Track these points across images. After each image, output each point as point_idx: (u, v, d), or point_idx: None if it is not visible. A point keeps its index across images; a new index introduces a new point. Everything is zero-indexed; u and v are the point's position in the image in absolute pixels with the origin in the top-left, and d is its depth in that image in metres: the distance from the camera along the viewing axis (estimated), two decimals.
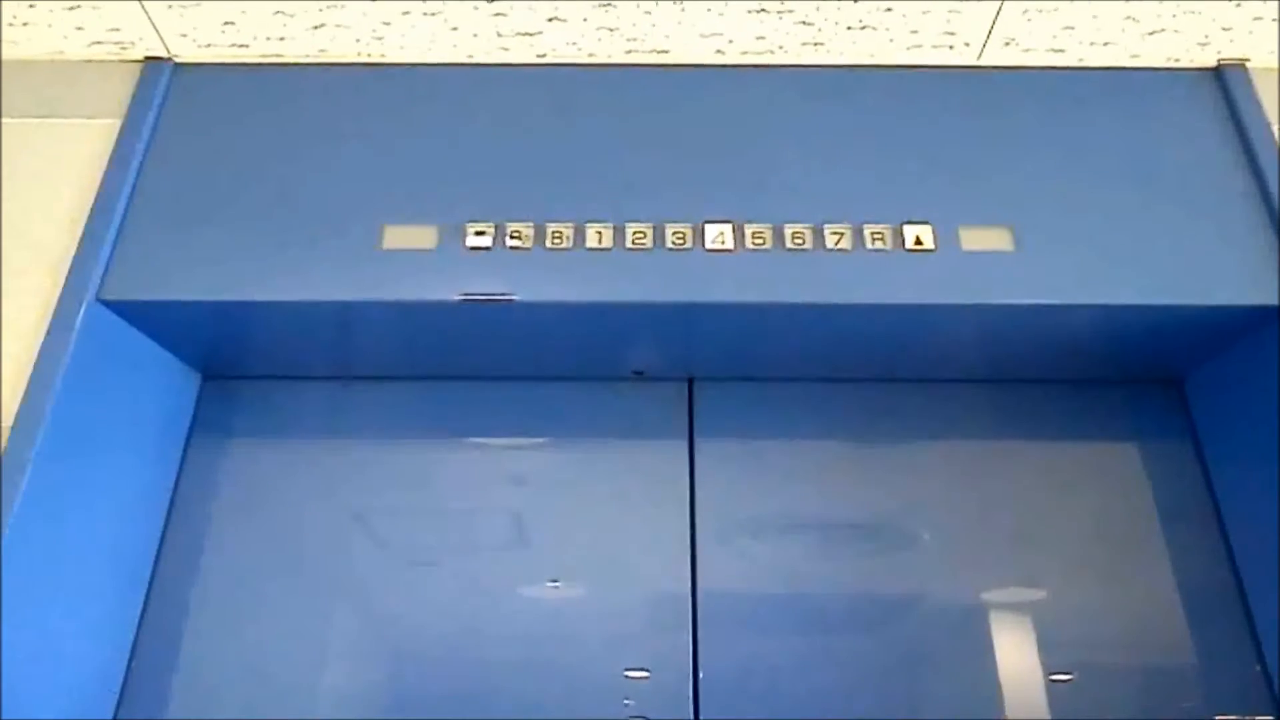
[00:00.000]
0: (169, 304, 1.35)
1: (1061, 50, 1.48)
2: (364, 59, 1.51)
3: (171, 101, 1.48)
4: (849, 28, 1.44)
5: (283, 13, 1.43)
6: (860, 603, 1.46)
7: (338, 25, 1.45)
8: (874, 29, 1.44)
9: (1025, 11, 1.41)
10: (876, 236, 1.35)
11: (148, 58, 1.51)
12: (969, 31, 1.45)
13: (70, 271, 1.33)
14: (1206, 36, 1.45)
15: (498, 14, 1.43)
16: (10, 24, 1.46)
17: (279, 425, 1.58)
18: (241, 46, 1.49)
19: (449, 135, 1.45)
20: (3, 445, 1.22)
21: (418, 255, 1.35)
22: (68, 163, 1.43)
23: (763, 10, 1.42)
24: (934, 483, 1.53)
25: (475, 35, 1.46)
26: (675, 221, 1.36)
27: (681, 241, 1.35)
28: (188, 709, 1.38)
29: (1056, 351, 1.48)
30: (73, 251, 1.35)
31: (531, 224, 1.36)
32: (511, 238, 1.35)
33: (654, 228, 1.36)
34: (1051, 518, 1.51)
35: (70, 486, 1.28)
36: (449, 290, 1.33)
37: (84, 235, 1.36)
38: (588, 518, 1.51)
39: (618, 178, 1.41)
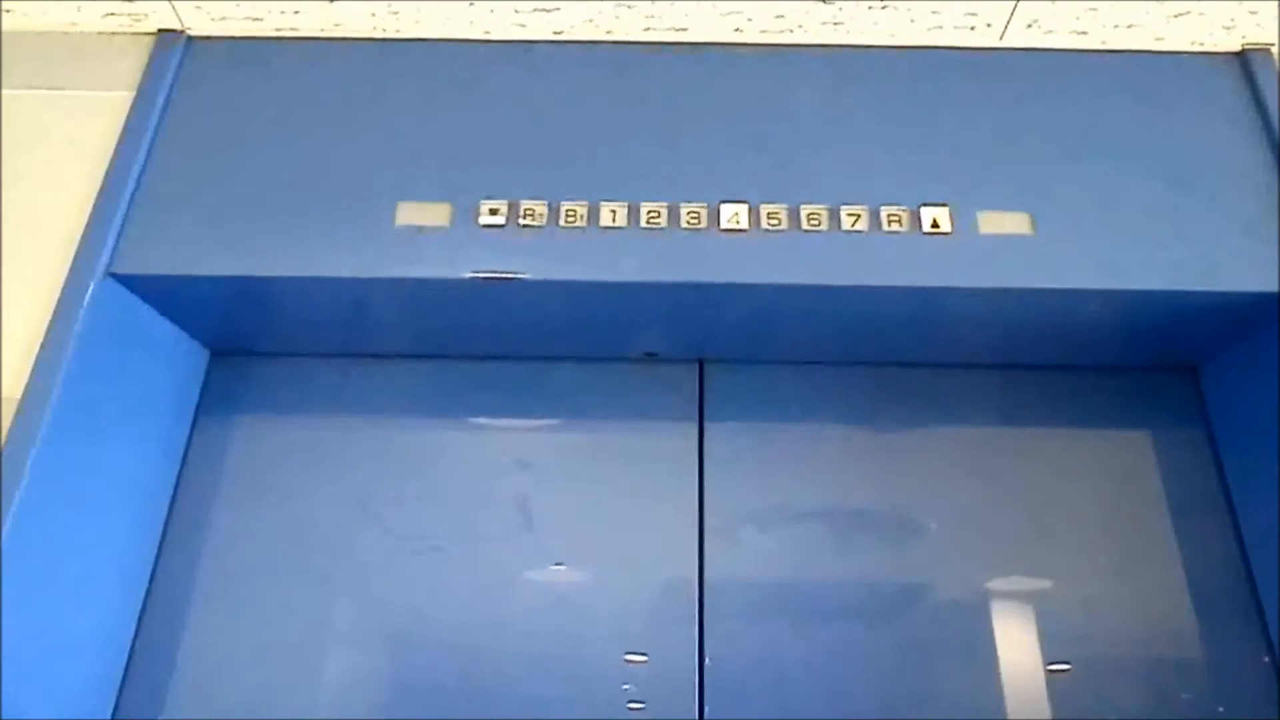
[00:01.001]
0: (180, 279, 1.34)
1: (1084, 33, 1.46)
2: (379, 34, 1.50)
3: (184, 74, 1.47)
4: (869, 7, 1.43)
5: None
6: (867, 591, 1.46)
7: None
8: (895, 9, 1.43)
9: None
10: (893, 219, 1.34)
11: (161, 30, 1.50)
12: (991, 13, 1.43)
13: (81, 245, 1.32)
14: (1232, 20, 1.43)
15: None
16: None
17: (287, 403, 1.57)
18: (255, 20, 1.48)
19: (464, 112, 1.43)
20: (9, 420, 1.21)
21: (431, 233, 1.34)
22: (79, 136, 1.42)
23: None
24: (944, 470, 1.52)
25: (491, 11, 1.45)
26: (690, 201, 1.35)
27: (696, 222, 1.34)
28: (192, 688, 1.38)
29: (1071, 337, 1.47)
30: (84, 225, 1.34)
31: (545, 202, 1.35)
32: (525, 216, 1.34)
33: (668, 208, 1.35)
34: (1062, 506, 1.50)
35: (77, 462, 1.27)
36: (461, 268, 1.32)
37: (95, 209, 1.35)
38: (595, 501, 1.50)
39: (633, 156, 1.40)
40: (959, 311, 1.39)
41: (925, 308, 1.38)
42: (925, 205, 1.35)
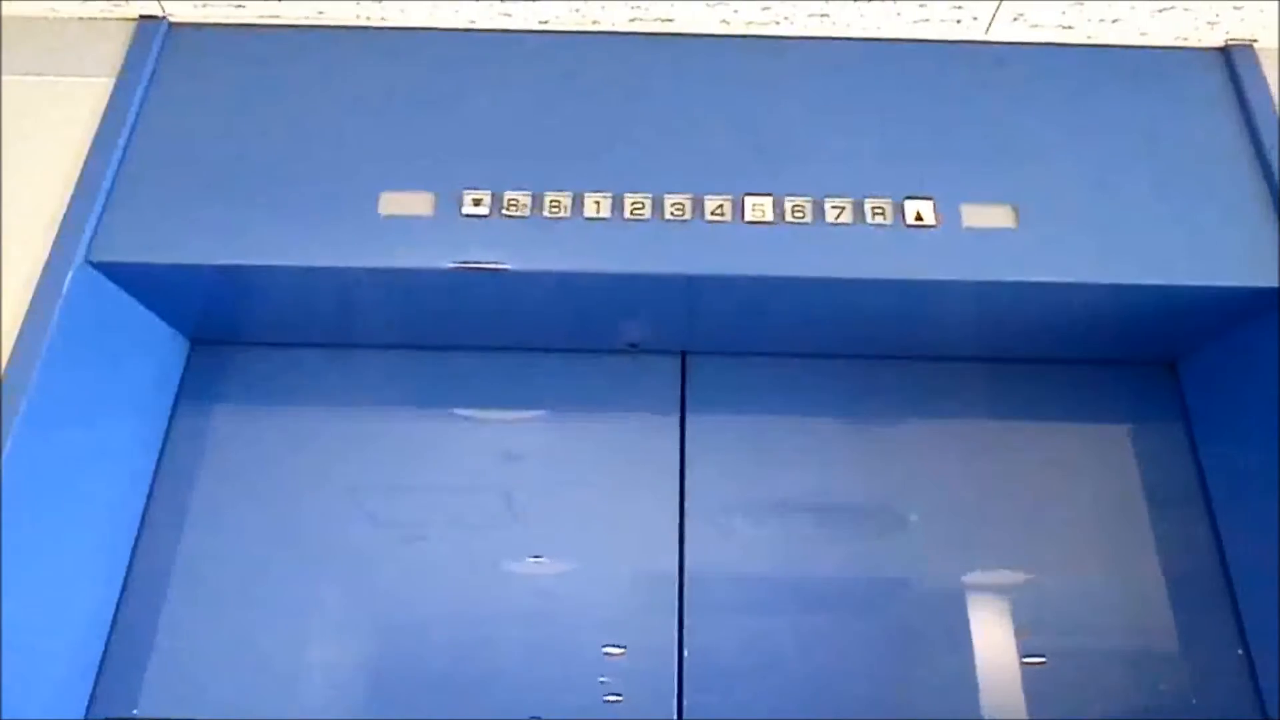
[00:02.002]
0: (159, 267, 1.33)
1: (1070, 27, 1.46)
2: (363, 22, 1.48)
3: (166, 62, 1.46)
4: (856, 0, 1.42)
5: None
6: (848, 584, 1.46)
7: None
8: (881, 1, 1.42)
9: None
10: (877, 211, 1.34)
11: (142, 16, 1.49)
12: (977, 6, 1.43)
13: (60, 232, 1.31)
14: (1216, 15, 1.44)
15: None
16: None
17: (268, 393, 1.56)
18: (238, 7, 1.47)
19: (448, 101, 1.43)
20: None
21: (414, 222, 1.34)
22: (59, 122, 1.41)
23: None
24: (924, 462, 1.53)
25: (476, 0, 1.44)
26: (674, 193, 1.35)
27: (680, 213, 1.33)
28: (171, 682, 1.38)
29: (1053, 331, 1.47)
30: (63, 212, 1.33)
31: (529, 193, 1.35)
32: (508, 206, 1.34)
33: (652, 199, 1.35)
34: (1041, 499, 1.51)
35: (54, 450, 1.27)
36: (444, 258, 1.31)
37: (74, 196, 1.34)
38: (577, 492, 1.50)
39: (617, 147, 1.39)
40: (942, 304, 1.39)
41: (908, 300, 1.38)
42: (909, 198, 1.35)
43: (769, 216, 1.33)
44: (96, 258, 1.31)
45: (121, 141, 1.38)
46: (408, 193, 1.35)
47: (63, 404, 1.28)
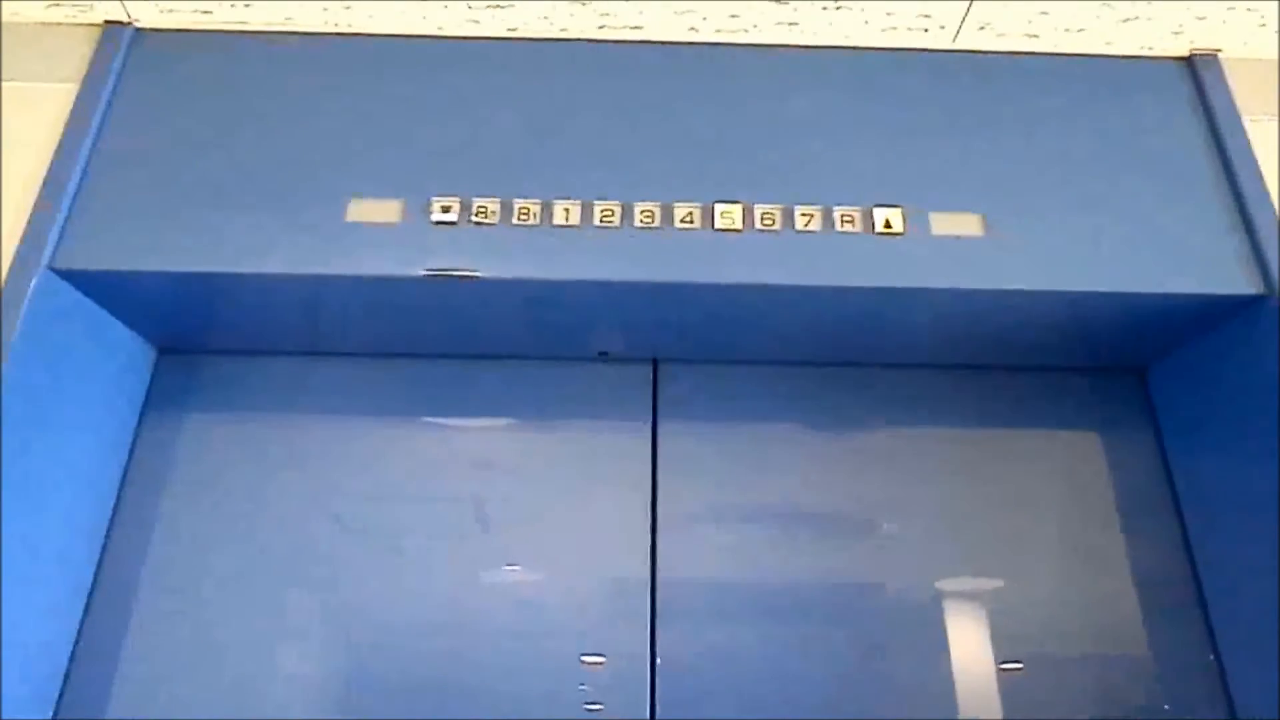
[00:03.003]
0: (124, 274, 1.31)
1: (1036, 36, 1.47)
2: (331, 28, 1.48)
3: (131, 67, 1.45)
4: (824, 8, 1.43)
5: None
6: (819, 591, 1.46)
7: None
8: (849, 10, 1.43)
9: None
10: (846, 219, 1.34)
11: (107, 21, 1.47)
12: (944, 15, 1.44)
13: (23, 239, 1.30)
14: (1180, 25, 1.45)
15: None
16: None
17: (235, 402, 1.55)
18: (205, 13, 1.46)
19: (416, 108, 1.42)
20: None
21: (382, 229, 1.33)
22: (23, 127, 1.39)
23: None
24: (895, 470, 1.53)
25: (445, 7, 1.44)
26: (643, 201, 1.35)
27: (650, 221, 1.33)
28: (137, 694, 1.36)
29: (1021, 338, 1.48)
30: (26, 219, 1.31)
31: (498, 200, 1.34)
32: (477, 214, 1.33)
33: (622, 206, 1.35)
34: (1012, 506, 1.51)
35: (17, 462, 1.25)
36: (413, 265, 1.30)
37: (38, 202, 1.32)
38: (548, 501, 1.50)
39: (586, 155, 1.39)
40: (911, 312, 1.40)
41: (878, 308, 1.38)
42: (878, 206, 1.35)
43: (739, 224, 1.34)
44: (61, 265, 1.29)
45: (86, 148, 1.37)
46: (376, 200, 1.35)
47: (27, 412, 1.26)
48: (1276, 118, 1.45)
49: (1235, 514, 1.37)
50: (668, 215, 1.34)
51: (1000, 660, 1.41)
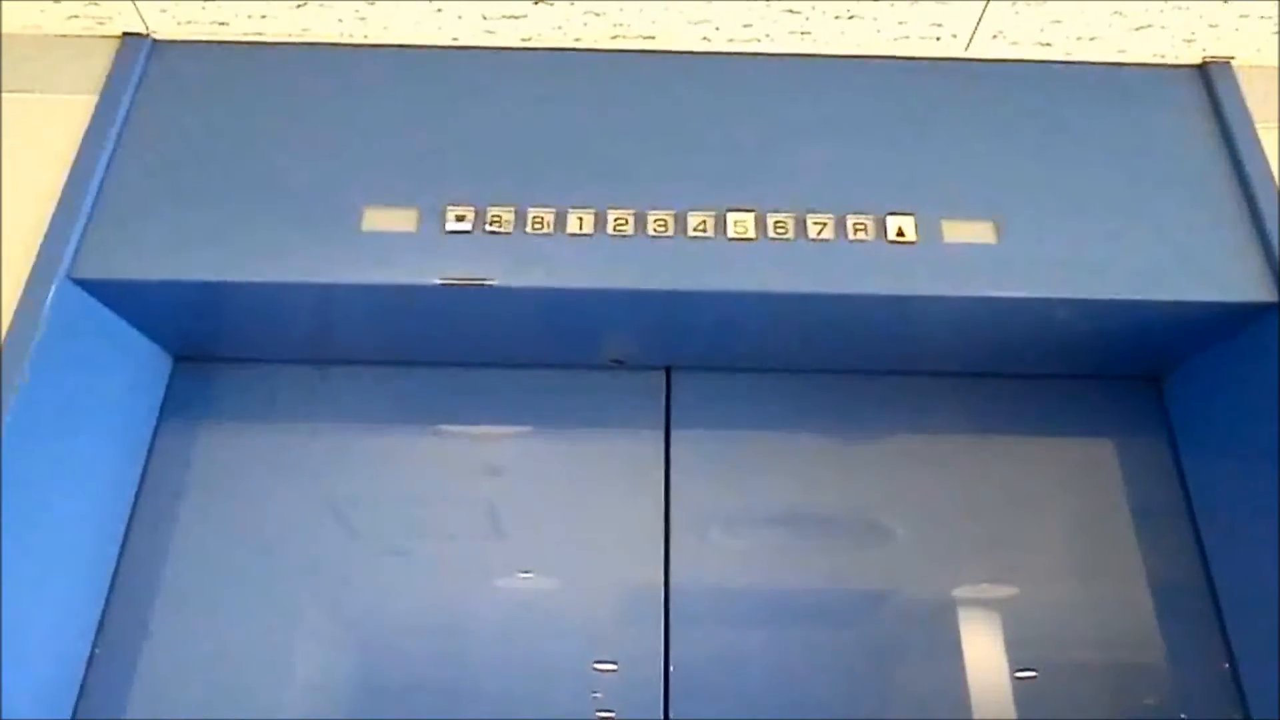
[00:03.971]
0: (142, 283, 1.32)
1: (1049, 44, 1.47)
2: (346, 39, 1.49)
3: (149, 78, 1.46)
4: (836, 17, 1.43)
5: None
6: (833, 597, 1.46)
7: (320, 4, 1.43)
8: (861, 19, 1.44)
9: (1014, 4, 1.41)
10: (859, 227, 1.34)
11: (126, 34, 1.49)
12: (957, 23, 1.44)
13: (42, 248, 1.31)
14: (1193, 33, 1.45)
15: None
16: None
17: (251, 410, 1.56)
18: (221, 24, 1.47)
19: (431, 117, 1.43)
20: None
21: (397, 238, 1.34)
22: (43, 138, 1.41)
23: None
24: (909, 477, 1.53)
25: (460, 17, 1.45)
26: (657, 209, 1.35)
27: (663, 229, 1.34)
28: (153, 698, 1.37)
29: (1035, 346, 1.48)
30: (45, 228, 1.32)
31: (512, 208, 1.35)
32: (492, 222, 1.34)
33: (635, 214, 1.35)
34: (1026, 514, 1.51)
35: (37, 468, 1.26)
36: (428, 274, 1.31)
37: (57, 212, 1.34)
38: (562, 508, 1.50)
39: (600, 163, 1.40)
40: (924, 319, 1.40)
41: (890, 315, 1.38)
42: (891, 214, 1.36)
43: (751, 232, 1.34)
44: (79, 274, 1.31)
45: (105, 158, 1.38)
46: (391, 209, 1.36)
47: (45, 420, 1.27)
48: None
49: (1250, 521, 1.37)
50: (681, 223, 1.35)
51: (1014, 667, 1.41)
